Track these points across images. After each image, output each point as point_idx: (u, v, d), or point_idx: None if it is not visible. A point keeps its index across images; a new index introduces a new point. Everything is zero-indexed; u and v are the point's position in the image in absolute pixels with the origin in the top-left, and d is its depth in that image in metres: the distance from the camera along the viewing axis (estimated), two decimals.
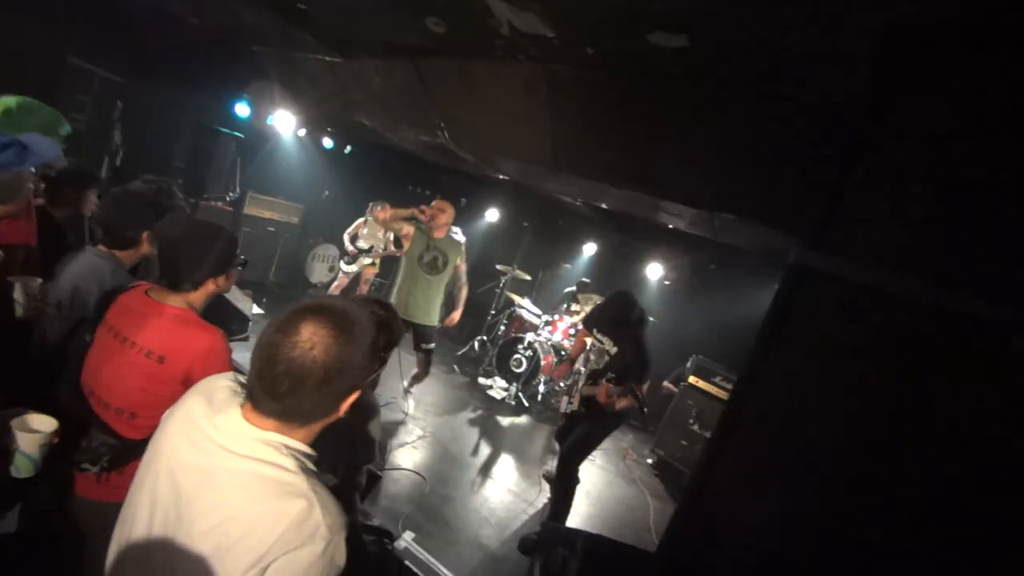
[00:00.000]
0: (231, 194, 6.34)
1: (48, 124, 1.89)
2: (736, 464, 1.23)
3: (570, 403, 3.90)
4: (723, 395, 5.33)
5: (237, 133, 6.17)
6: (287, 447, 0.90)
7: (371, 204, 6.74)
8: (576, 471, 3.71)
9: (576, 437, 3.69)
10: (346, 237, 6.67)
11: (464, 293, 4.71)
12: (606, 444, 4.58)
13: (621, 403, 3.38)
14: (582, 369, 3.98)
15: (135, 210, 1.96)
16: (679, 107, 2.25)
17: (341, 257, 6.82)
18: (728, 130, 2.04)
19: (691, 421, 5.42)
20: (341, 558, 0.87)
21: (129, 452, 1.64)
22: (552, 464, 4.32)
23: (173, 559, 0.87)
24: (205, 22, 3.87)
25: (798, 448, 1.15)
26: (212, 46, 4.52)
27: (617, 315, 3.47)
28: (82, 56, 4.42)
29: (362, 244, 6.63)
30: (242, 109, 5.50)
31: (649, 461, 5.71)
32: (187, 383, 1.59)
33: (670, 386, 6.08)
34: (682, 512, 1.35)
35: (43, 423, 1.27)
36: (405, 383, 4.86)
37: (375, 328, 0.97)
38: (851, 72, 1.43)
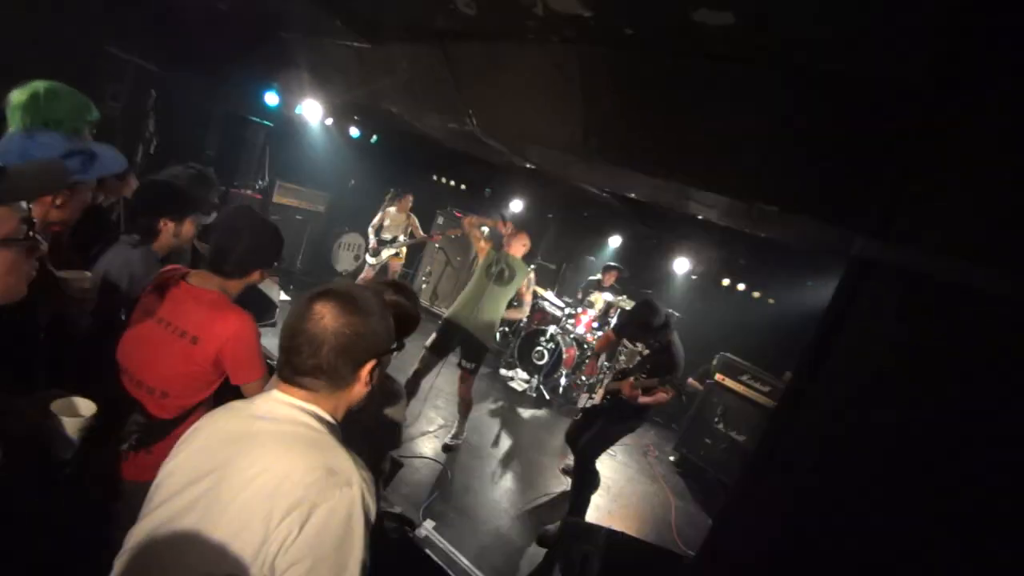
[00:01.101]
0: (261, 182, 6.44)
1: (76, 110, 1.90)
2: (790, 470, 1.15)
3: (591, 398, 3.87)
4: (752, 394, 5.18)
5: (267, 122, 6.25)
6: (315, 415, 1.00)
7: (390, 192, 6.73)
8: (594, 466, 3.69)
9: (595, 432, 3.68)
10: (371, 229, 6.68)
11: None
12: (628, 440, 4.51)
13: (645, 398, 3.41)
14: (605, 365, 3.95)
15: (156, 199, 2.01)
16: (721, 90, 2.14)
17: (367, 250, 6.85)
18: (776, 114, 1.92)
19: (716, 420, 5.29)
20: (372, 509, 0.94)
21: (158, 432, 1.67)
22: (571, 458, 4.29)
23: (211, 519, 0.90)
24: (235, 8, 3.88)
25: (863, 450, 1.06)
26: (242, 34, 4.54)
27: (643, 322, 3.56)
28: (118, 45, 4.50)
29: (385, 235, 6.63)
30: (271, 98, 5.54)
31: (672, 459, 5.61)
32: (217, 364, 1.63)
33: (695, 383, 5.94)
34: (725, 517, 1.29)
35: (84, 407, 1.31)
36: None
37: (381, 304, 1.09)
38: (920, 47, 1.31)
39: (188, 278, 1.69)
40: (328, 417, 1.02)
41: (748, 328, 6.29)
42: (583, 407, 3.93)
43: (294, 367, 1.00)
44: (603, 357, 4.42)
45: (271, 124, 6.30)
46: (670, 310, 3.71)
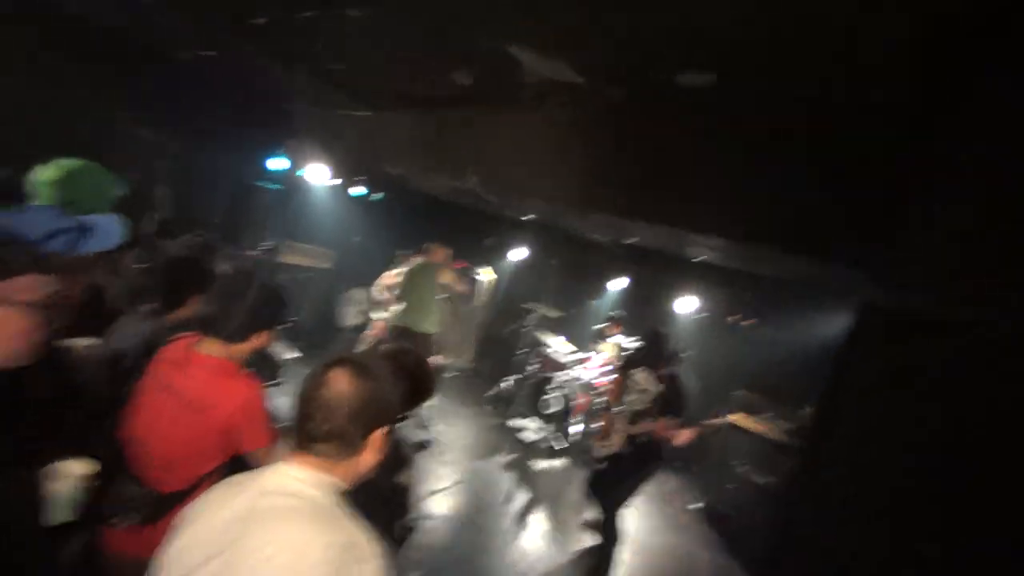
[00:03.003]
0: (267, 244, 6.58)
1: (99, 188, 1.97)
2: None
3: (605, 446, 3.75)
4: (771, 433, 5.03)
5: (273, 186, 6.48)
6: (323, 484, 0.99)
7: (397, 253, 6.81)
8: (618, 516, 3.55)
9: (619, 480, 3.56)
10: (379, 286, 6.66)
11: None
12: (648, 489, 4.35)
13: (680, 438, 3.35)
14: (618, 409, 3.86)
15: (184, 275, 2.04)
16: (709, 140, 2.23)
17: (373, 307, 6.81)
18: (765, 162, 1.99)
19: (738, 462, 5.11)
20: None
21: (164, 505, 1.62)
22: (589, 512, 4.12)
23: None
24: (242, 81, 4.12)
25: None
26: (249, 105, 4.79)
27: (656, 349, 3.53)
28: (128, 120, 4.74)
29: (390, 292, 6.64)
30: (278, 163, 5.75)
31: (696, 507, 5.38)
32: (226, 433, 1.59)
33: (713, 423, 5.79)
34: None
35: (78, 468, 1.29)
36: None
37: (395, 371, 1.12)
38: (899, 91, 1.38)
39: (197, 346, 1.68)
40: (340, 484, 1.02)
41: (760, 363, 6.19)
42: (601, 456, 3.80)
43: (308, 433, 1.01)
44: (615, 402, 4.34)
45: (278, 187, 6.52)
46: (674, 345, 3.66)
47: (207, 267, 2.09)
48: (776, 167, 1.97)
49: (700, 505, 5.31)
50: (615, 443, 3.64)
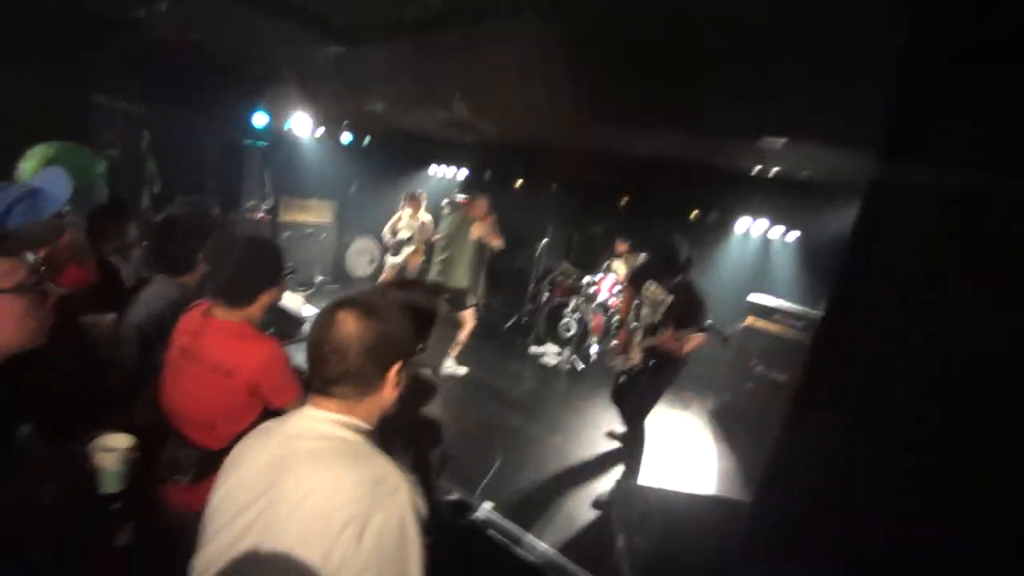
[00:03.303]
0: (266, 203, 6.52)
1: (85, 165, 1.95)
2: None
3: (628, 359, 3.84)
4: (787, 332, 5.10)
5: (260, 143, 6.30)
6: (349, 425, 1.02)
7: (405, 194, 6.73)
8: (644, 425, 3.70)
9: (640, 390, 3.67)
10: (386, 231, 6.72)
11: None
12: (668, 395, 4.51)
13: (688, 345, 3.39)
14: (635, 324, 3.91)
15: (186, 234, 2.02)
16: (708, 39, 2.06)
17: (384, 251, 6.86)
18: (769, 54, 1.85)
19: (755, 363, 5.25)
20: (423, 508, 0.99)
21: (215, 461, 1.72)
22: (615, 422, 4.32)
23: (269, 541, 0.92)
24: (210, 38, 3.88)
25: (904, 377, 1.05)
26: (222, 62, 4.56)
27: (669, 261, 3.47)
28: (103, 94, 4.56)
29: (403, 235, 6.68)
30: (260, 118, 5.56)
31: (714, 408, 5.60)
32: (254, 392, 1.65)
33: (727, 328, 5.87)
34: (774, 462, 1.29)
35: (120, 440, 1.38)
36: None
37: (397, 307, 1.11)
38: None
39: (211, 311, 1.71)
40: (363, 424, 1.04)
41: (772, 268, 6.17)
42: (621, 370, 3.90)
43: (324, 377, 1.03)
44: (631, 317, 4.39)
45: (265, 144, 6.34)
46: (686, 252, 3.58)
47: (194, 231, 2.07)
48: (782, 57, 1.83)
49: (719, 405, 5.52)
50: (633, 357, 3.73)
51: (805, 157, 3.09)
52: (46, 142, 1.99)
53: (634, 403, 3.69)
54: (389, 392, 1.08)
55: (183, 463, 1.70)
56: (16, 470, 1.00)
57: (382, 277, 6.91)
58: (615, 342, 4.02)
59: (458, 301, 5.11)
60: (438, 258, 5.15)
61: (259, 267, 1.71)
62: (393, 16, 2.73)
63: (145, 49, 4.16)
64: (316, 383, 1.05)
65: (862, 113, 1.59)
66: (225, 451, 1.71)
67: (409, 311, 1.14)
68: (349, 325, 1.02)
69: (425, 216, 6.76)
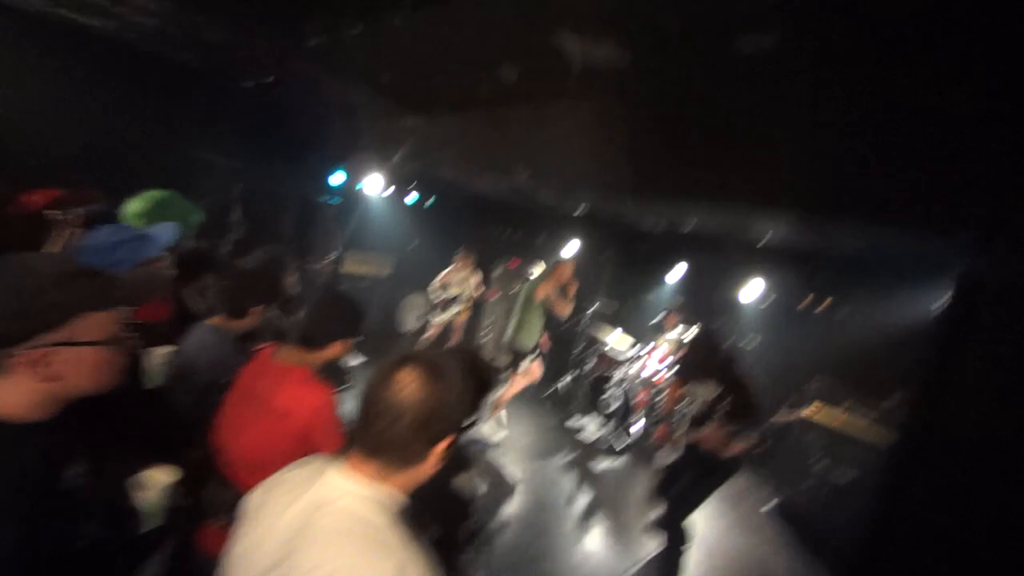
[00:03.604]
0: (332, 255, 6.93)
1: (185, 213, 2.16)
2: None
3: (672, 451, 3.61)
4: (853, 425, 4.68)
5: (335, 199, 6.82)
6: (381, 502, 0.94)
7: (461, 250, 6.76)
8: (683, 526, 3.39)
9: (683, 487, 3.41)
10: (436, 284, 6.75)
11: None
12: (718, 492, 4.17)
13: (734, 448, 3.13)
14: (684, 412, 3.68)
15: (252, 287, 2.15)
16: (774, 113, 2.09)
17: (431, 310, 6.88)
18: (838, 125, 1.84)
19: (814, 459, 4.79)
20: None
21: None
22: (655, 513, 3.99)
23: None
24: (303, 104, 4.34)
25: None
26: (311, 125, 5.06)
27: (703, 357, 3.34)
28: (204, 147, 5.13)
29: (452, 291, 6.72)
30: (338, 178, 6.04)
31: (769, 506, 5.10)
32: (304, 438, 1.66)
33: (787, 416, 5.46)
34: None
35: (163, 476, 1.38)
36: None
37: (466, 374, 1.02)
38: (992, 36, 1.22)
39: (276, 355, 1.78)
40: (395, 498, 0.96)
41: (837, 350, 5.76)
42: (665, 463, 3.62)
43: (367, 440, 0.96)
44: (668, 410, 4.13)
45: (339, 201, 6.85)
46: (733, 340, 3.40)
47: (272, 280, 2.20)
48: (851, 131, 1.81)
49: (774, 505, 5.02)
50: (677, 449, 3.51)
51: (875, 236, 2.96)
52: (154, 189, 2.23)
53: (677, 499, 3.40)
54: (431, 467, 1.00)
55: (222, 504, 1.71)
56: (62, 508, 0.99)
57: (427, 334, 6.95)
58: (657, 434, 3.75)
59: (518, 361, 5.13)
60: (512, 321, 5.19)
61: (341, 316, 1.80)
62: (467, 91, 2.96)
63: (244, 110, 4.70)
64: (359, 441, 0.97)
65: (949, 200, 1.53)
66: None
67: (472, 381, 1.07)
68: (409, 388, 0.94)
69: (475, 275, 6.83)
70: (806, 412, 4.98)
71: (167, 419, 1.91)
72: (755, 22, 1.59)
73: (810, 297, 6.33)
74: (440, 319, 6.78)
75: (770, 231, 3.72)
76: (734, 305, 6.72)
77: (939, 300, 4.58)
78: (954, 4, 1.26)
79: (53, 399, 0.99)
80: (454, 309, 6.76)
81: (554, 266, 5.04)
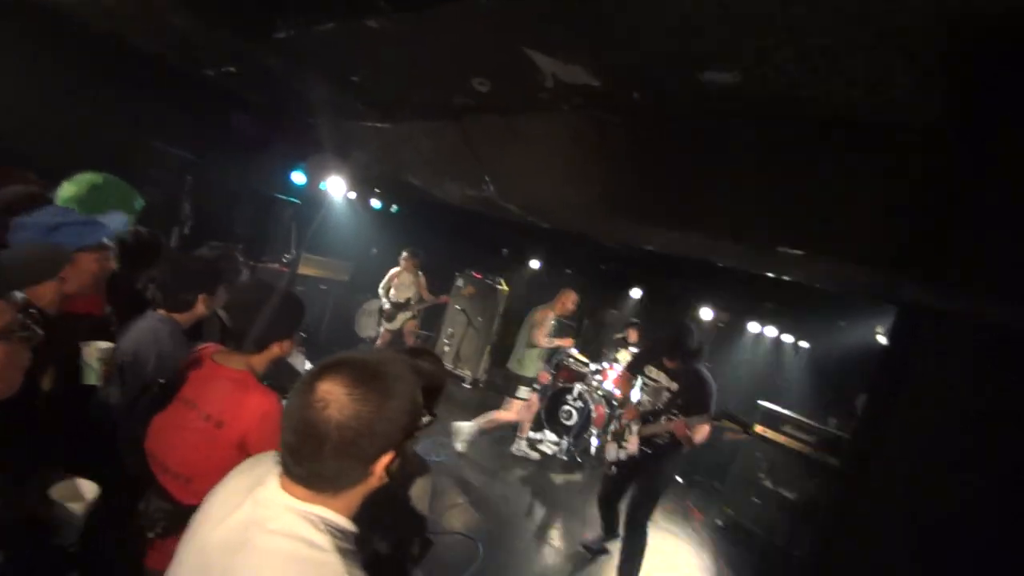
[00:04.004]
0: (287, 256, 6.68)
1: (125, 198, 2.03)
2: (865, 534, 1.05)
3: (622, 447, 3.55)
4: (797, 446, 4.88)
5: (293, 199, 6.59)
6: (324, 521, 0.84)
7: (403, 253, 6.54)
8: (646, 527, 3.43)
9: (641, 488, 3.45)
10: (381, 292, 6.56)
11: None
12: (669, 503, 4.27)
13: (698, 436, 3.19)
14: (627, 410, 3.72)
15: (193, 275, 2.05)
16: (732, 144, 2.18)
17: (380, 316, 6.68)
18: (793, 164, 1.94)
19: (762, 476, 4.97)
20: None
21: (184, 518, 1.60)
22: (593, 531, 4.01)
23: None
24: (264, 99, 4.20)
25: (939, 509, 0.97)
26: (270, 120, 4.90)
27: (679, 345, 3.37)
28: (158, 137, 4.88)
29: (396, 297, 6.50)
30: (298, 177, 5.86)
31: (718, 522, 5.23)
32: (242, 448, 1.56)
33: (735, 435, 5.64)
34: None
35: (86, 489, 1.26)
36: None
37: (407, 373, 0.90)
38: (928, 94, 1.33)
39: (215, 356, 1.67)
40: (338, 521, 0.86)
41: (782, 375, 6.04)
42: (615, 459, 3.61)
43: (295, 461, 0.84)
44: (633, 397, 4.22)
45: (298, 201, 6.63)
46: (700, 340, 3.53)
47: (217, 269, 2.10)
48: (804, 168, 1.91)
49: (725, 520, 5.15)
50: (630, 445, 3.49)
51: (823, 271, 3.12)
52: (92, 171, 2.08)
53: (635, 503, 3.44)
54: (374, 483, 0.89)
55: (152, 515, 1.59)
56: None
57: (378, 341, 6.71)
58: (612, 428, 3.79)
59: (514, 388, 5.18)
60: (517, 345, 5.28)
61: (278, 316, 1.68)
62: (439, 99, 2.95)
63: (202, 100, 4.50)
64: (286, 461, 0.86)
65: (894, 232, 1.63)
66: (194, 509, 1.61)
67: (415, 382, 0.93)
68: (331, 407, 0.80)
69: (420, 278, 6.58)
70: (756, 431, 5.15)
71: (97, 421, 1.77)
72: (722, 57, 1.66)
73: (757, 325, 6.64)
74: (390, 326, 6.58)
75: (724, 260, 3.87)
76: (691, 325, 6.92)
77: (881, 329, 4.91)
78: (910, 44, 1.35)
79: None
80: (404, 315, 6.59)
81: (559, 295, 5.15)
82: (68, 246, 1.52)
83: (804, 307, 5.95)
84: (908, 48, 1.33)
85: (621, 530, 3.58)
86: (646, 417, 3.52)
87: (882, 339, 4.96)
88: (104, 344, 1.61)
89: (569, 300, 5.13)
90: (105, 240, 1.68)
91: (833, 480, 4.30)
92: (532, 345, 5.11)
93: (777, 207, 2.22)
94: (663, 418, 3.35)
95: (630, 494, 3.49)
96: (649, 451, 3.42)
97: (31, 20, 3.46)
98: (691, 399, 3.27)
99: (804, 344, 6.39)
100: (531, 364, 5.15)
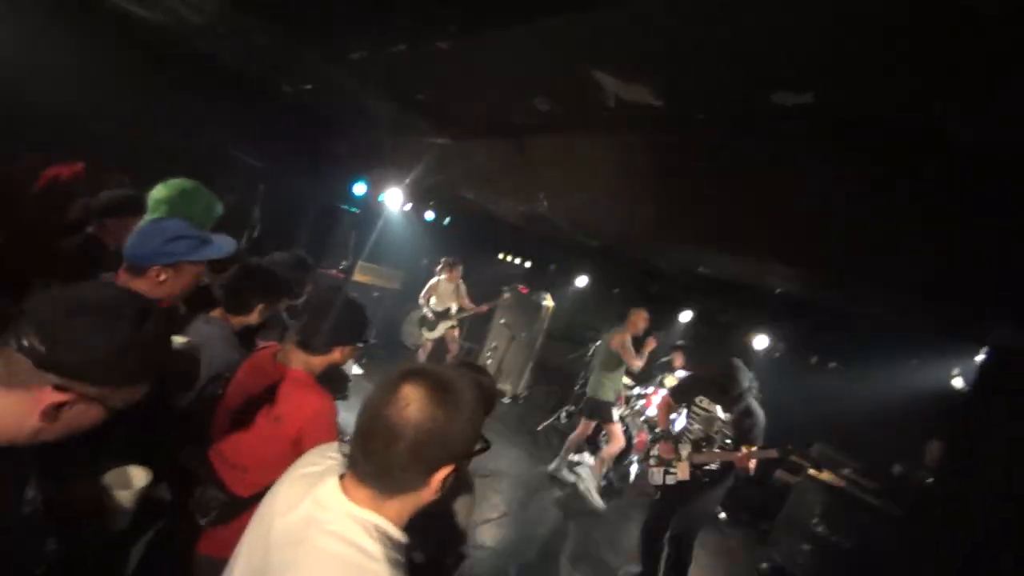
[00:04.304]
0: (344, 263, 6.98)
1: (206, 206, 2.18)
2: None
3: (670, 473, 3.55)
4: (856, 492, 4.53)
5: (353, 208, 6.90)
6: (377, 529, 0.86)
7: (443, 261, 6.62)
8: (693, 546, 3.50)
9: (692, 508, 3.48)
10: (421, 301, 6.66)
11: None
12: (712, 545, 4.06)
13: (746, 461, 3.24)
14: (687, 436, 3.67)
15: (260, 282, 2.14)
16: (796, 167, 2.10)
17: (422, 324, 6.76)
18: (859, 189, 1.84)
19: (815, 521, 4.63)
20: None
21: (236, 508, 1.67)
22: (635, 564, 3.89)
23: None
24: (331, 113, 4.43)
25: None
26: (339, 134, 5.17)
27: (731, 383, 3.43)
28: (235, 147, 5.24)
29: (437, 306, 6.56)
30: (360, 188, 6.13)
31: (764, 566, 4.91)
32: (296, 444, 1.62)
33: (786, 475, 5.32)
34: None
35: (137, 477, 1.31)
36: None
37: (476, 396, 0.92)
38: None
39: (277, 355, 1.76)
40: (390, 530, 0.88)
41: (841, 412, 5.65)
42: (661, 484, 3.61)
43: (364, 456, 0.88)
44: (674, 425, 4.14)
45: (357, 211, 6.94)
46: (752, 374, 3.56)
47: (283, 281, 2.19)
48: (875, 194, 1.81)
49: (770, 564, 4.83)
50: (681, 471, 3.49)
51: (894, 304, 2.93)
52: (180, 178, 2.26)
53: (687, 521, 3.49)
54: (429, 496, 0.91)
55: (207, 503, 1.67)
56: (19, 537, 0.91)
57: (420, 350, 6.80)
58: (655, 452, 3.76)
59: (605, 414, 5.14)
60: (593, 372, 5.29)
61: (345, 321, 1.75)
62: (498, 117, 3.01)
63: (277, 113, 4.81)
64: (356, 455, 0.90)
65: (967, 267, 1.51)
66: (251, 500, 1.67)
67: (482, 403, 0.97)
68: (411, 407, 0.84)
69: (461, 287, 6.63)
70: (810, 472, 4.84)
71: (157, 412, 1.87)
72: (787, 80, 1.61)
73: (815, 357, 6.26)
74: (430, 335, 6.66)
75: (782, 285, 3.72)
76: (742, 353, 6.62)
77: (955, 372, 4.52)
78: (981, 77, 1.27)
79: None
80: (445, 324, 6.65)
81: (629, 315, 5.13)
82: (179, 258, 1.65)
83: (871, 342, 5.56)
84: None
85: (665, 553, 3.55)
86: (697, 445, 3.50)
87: (958, 382, 4.56)
88: (139, 474, 1.55)
89: (640, 319, 5.08)
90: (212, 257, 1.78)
91: (895, 530, 3.96)
92: (612, 369, 5.10)
93: (843, 234, 2.11)
94: (715, 447, 3.37)
95: (682, 514, 3.49)
96: (701, 478, 3.43)
97: (127, 36, 3.83)
98: (741, 430, 3.32)
99: (868, 382, 5.96)
100: (611, 388, 5.16)
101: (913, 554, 1.14)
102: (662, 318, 7.69)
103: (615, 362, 5.09)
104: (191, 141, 4.40)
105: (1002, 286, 1.30)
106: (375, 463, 0.87)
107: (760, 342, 6.31)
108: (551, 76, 2.15)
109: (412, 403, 0.85)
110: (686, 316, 7.32)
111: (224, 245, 1.79)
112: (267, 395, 1.67)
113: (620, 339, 5.00)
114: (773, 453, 3.19)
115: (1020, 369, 0.92)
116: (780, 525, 4.92)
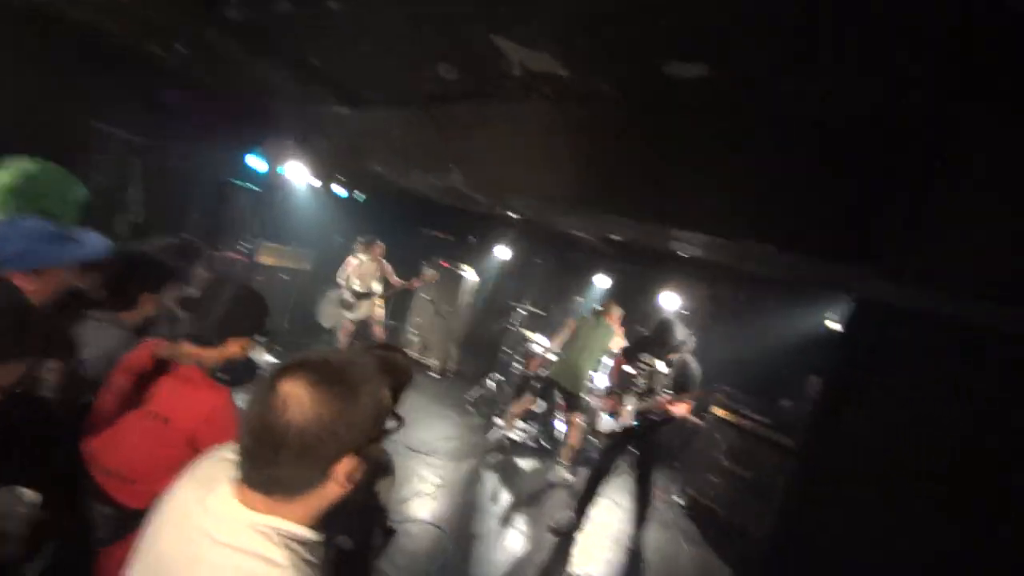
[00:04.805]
0: (246, 245, 6.43)
1: (63, 193, 1.89)
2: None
3: (615, 417, 4.11)
4: (755, 428, 5.10)
5: (251, 185, 6.33)
6: (279, 533, 0.81)
7: (359, 241, 6.35)
8: (651, 478, 4.10)
9: (641, 449, 4.12)
10: (340, 281, 6.33)
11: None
12: (632, 485, 4.39)
13: (681, 408, 3.78)
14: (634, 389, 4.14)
15: (140, 272, 1.94)
16: (700, 136, 2.22)
17: (342, 306, 6.42)
18: (757, 158, 1.99)
19: (721, 456, 5.17)
20: None
21: (127, 523, 1.53)
22: (561, 514, 4.21)
23: None
24: (221, 81, 3.99)
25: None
26: (226, 103, 4.67)
27: (665, 339, 4.00)
28: (103, 119, 4.57)
29: (358, 287, 6.32)
30: (256, 162, 5.62)
31: (680, 502, 5.42)
32: (192, 445, 1.50)
33: (694, 419, 5.84)
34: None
35: (27, 497, 1.17)
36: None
37: (372, 378, 0.86)
38: (903, 90, 1.38)
39: (160, 350, 1.59)
40: (295, 531, 0.83)
41: (742, 362, 6.27)
42: (609, 431, 4.14)
43: (252, 466, 0.82)
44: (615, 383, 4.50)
45: (256, 187, 6.37)
46: (689, 331, 4.24)
47: (163, 266, 1.99)
48: (766, 161, 1.97)
49: (684, 499, 5.35)
50: (624, 417, 4.00)
51: (784, 264, 3.24)
52: (28, 157, 1.92)
53: (642, 459, 4.08)
54: (336, 490, 0.85)
55: (94, 522, 1.51)
56: None
57: (341, 331, 6.52)
58: (602, 403, 4.29)
59: (574, 404, 5.22)
60: (568, 361, 5.28)
61: (239, 310, 1.61)
62: (405, 87, 2.87)
63: (150, 79, 4.25)
64: (243, 466, 0.83)
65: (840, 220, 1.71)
66: (142, 513, 1.53)
67: (383, 382, 0.90)
68: (291, 409, 0.77)
69: (385, 265, 6.40)
70: (715, 413, 5.35)
71: (33, 425, 1.66)
72: (686, 50, 1.68)
73: (712, 310, 6.87)
74: (352, 316, 6.40)
75: (689, 249, 4.01)
76: (654, 313, 7.08)
77: (828, 315, 5.17)
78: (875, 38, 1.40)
79: None
80: (366, 304, 6.40)
81: (606, 307, 5.35)
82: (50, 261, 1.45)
83: (759, 296, 6.20)
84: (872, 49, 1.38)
85: (635, 490, 4.12)
86: (641, 396, 4.03)
87: (833, 325, 5.23)
88: (28, 496, 1.36)
89: (618, 314, 5.44)
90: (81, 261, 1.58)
91: (788, 459, 4.54)
92: (597, 353, 5.32)
93: (745, 201, 2.29)
94: (656, 396, 3.89)
95: (641, 452, 4.07)
96: (648, 421, 3.96)
97: None
98: (683, 381, 3.87)
99: (756, 330, 6.65)
100: (587, 375, 5.36)
101: (804, 481, 1.31)
102: (581, 284, 7.99)
103: (605, 341, 5.26)
104: (40, 114, 3.77)
105: (862, 246, 1.49)
106: (266, 472, 0.81)
107: (669, 301, 6.77)
108: (451, 42, 2.06)
109: (292, 405, 0.78)
110: (602, 282, 7.64)
111: (94, 244, 1.59)
112: (150, 395, 1.50)
113: (618, 340, 5.22)
114: (698, 395, 3.75)
115: (879, 317, 1.08)
116: (693, 463, 5.43)
